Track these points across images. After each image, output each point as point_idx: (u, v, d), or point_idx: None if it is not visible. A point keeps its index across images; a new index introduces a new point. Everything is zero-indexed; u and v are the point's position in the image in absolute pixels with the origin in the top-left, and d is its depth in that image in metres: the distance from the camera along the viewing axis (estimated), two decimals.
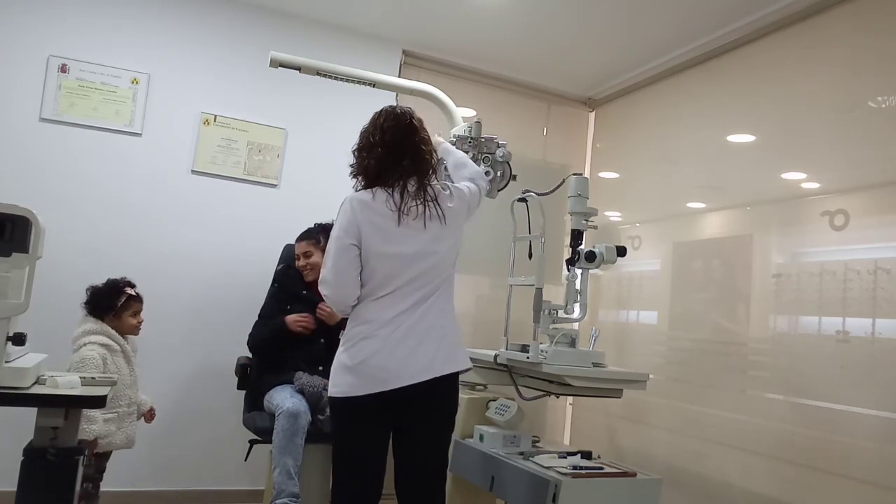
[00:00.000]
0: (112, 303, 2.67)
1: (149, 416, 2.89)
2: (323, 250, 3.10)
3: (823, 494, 2.68)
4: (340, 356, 2.04)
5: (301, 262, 3.15)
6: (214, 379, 3.47)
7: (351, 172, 2.16)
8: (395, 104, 2.19)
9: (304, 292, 3.14)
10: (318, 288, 2.09)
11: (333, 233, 2.06)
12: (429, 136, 2.17)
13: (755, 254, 3.23)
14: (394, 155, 2.07)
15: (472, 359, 2.89)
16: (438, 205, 2.09)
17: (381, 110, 2.16)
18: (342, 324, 3.06)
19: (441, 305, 2.09)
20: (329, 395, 2.05)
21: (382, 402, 1.98)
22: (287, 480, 2.67)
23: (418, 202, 2.06)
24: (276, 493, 2.67)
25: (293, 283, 3.17)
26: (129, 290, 2.73)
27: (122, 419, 2.62)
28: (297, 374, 2.98)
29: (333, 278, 2.03)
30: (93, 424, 2.45)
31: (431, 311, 2.06)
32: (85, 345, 2.54)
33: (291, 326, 3.01)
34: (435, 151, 2.21)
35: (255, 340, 3.11)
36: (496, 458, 2.55)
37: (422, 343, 2.02)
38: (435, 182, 2.14)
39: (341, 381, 2.01)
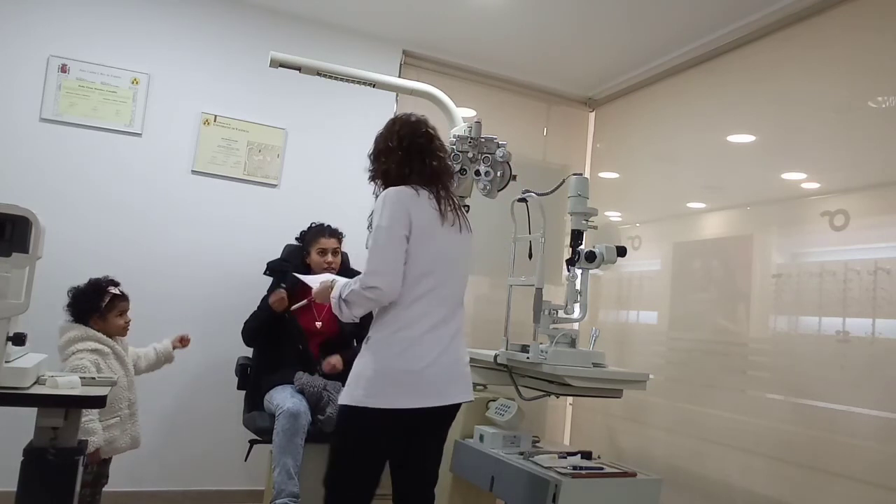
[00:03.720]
0: (96, 304, 2.54)
1: (182, 343, 2.88)
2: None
3: (823, 494, 2.68)
4: (385, 362, 1.95)
5: (329, 258, 3.13)
6: (214, 379, 3.46)
7: (369, 177, 2.16)
8: (409, 112, 2.20)
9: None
10: (365, 281, 1.95)
11: (382, 222, 1.97)
12: (444, 145, 2.19)
13: (755, 254, 3.23)
14: (416, 158, 2.08)
15: (472, 359, 2.91)
16: (465, 214, 2.13)
17: (397, 118, 2.18)
18: (340, 326, 3.09)
19: (460, 327, 2.11)
20: (364, 405, 1.93)
21: (421, 415, 1.96)
22: (287, 480, 2.67)
23: (451, 207, 2.08)
24: (276, 493, 2.67)
25: (287, 269, 3.15)
26: (113, 290, 2.60)
27: (124, 422, 2.58)
28: (297, 374, 2.98)
29: (389, 268, 1.94)
30: (92, 437, 2.39)
31: (459, 334, 2.09)
32: (74, 353, 2.44)
33: (273, 307, 3.02)
34: (451, 161, 2.23)
35: (245, 329, 3.13)
36: (496, 458, 2.55)
37: (458, 363, 2.06)
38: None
39: (389, 390, 1.92)
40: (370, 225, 2.11)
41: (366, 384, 1.94)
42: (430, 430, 2.10)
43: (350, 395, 1.97)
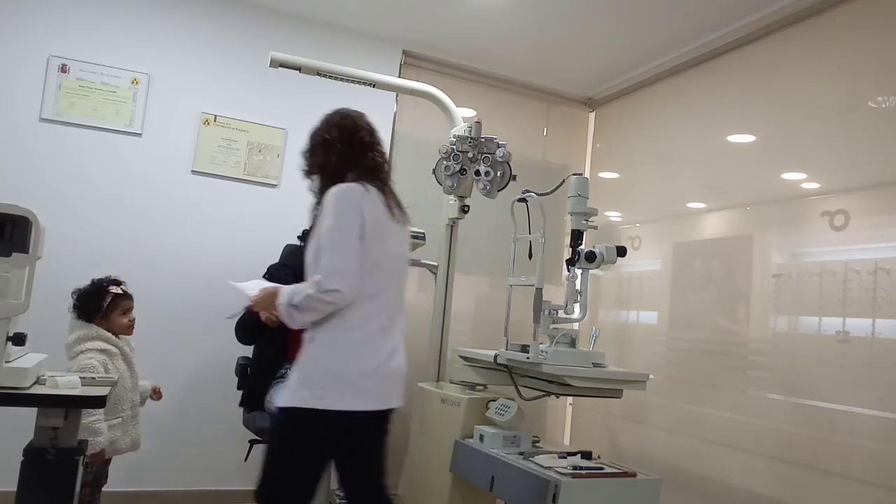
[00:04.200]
0: (98, 304, 2.55)
1: (156, 395, 2.83)
2: None
3: (823, 494, 2.68)
4: (337, 362, 1.89)
5: None
6: (214, 379, 3.46)
7: (305, 172, 2.10)
8: (345, 107, 2.16)
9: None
10: (324, 284, 1.87)
11: (337, 223, 1.90)
12: (382, 140, 2.16)
13: (755, 254, 3.23)
14: (358, 152, 2.04)
15: (472, 359, 2.91)
16: (404, 208, 2.09)
17: (334, 111, 2.13)
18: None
19: (404, 327, 2.07)
20: (316, 406, 1.85)
21: (370, 417, 1.94)
22: None
23: (394, 202, 2.05)
24: None
25: (285, 278, 3.13)
26: (114, 289, 2.60)
27: (126, 423, 2.57)
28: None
29: (348, 269, 1.87)
30: (99, 436, 2.38)
31: (403, 335, 2.06)
32: (83, 352, 2.44)
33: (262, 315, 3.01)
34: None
35: (236, 326, 3.10)
36: (496, 458, 2.54)
37: (403, 366, 2.03)
38: None
39: (341, 391, 1.87)
40: (313, 220, 2.01)
41: (316, 385, 1.87)
42: (377, 432, 2.06)
43: (297, 396, 1.88)
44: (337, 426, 1.90)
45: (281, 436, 1.95)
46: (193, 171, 3.58)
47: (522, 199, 2.73)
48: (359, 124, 2.09)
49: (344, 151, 2.03)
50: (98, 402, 1.93)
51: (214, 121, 3.62)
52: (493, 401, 2.83)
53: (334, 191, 1.93)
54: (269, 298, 2.01)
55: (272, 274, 3.19)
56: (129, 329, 2.66)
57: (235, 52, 3.68)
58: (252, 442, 3.05)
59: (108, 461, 2.64)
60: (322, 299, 1.85)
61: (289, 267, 3.21)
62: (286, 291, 1.94)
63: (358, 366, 1.90)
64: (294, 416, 1.88)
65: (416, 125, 3.99)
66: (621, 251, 2.66)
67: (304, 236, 3.26)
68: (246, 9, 3.71)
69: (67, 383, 1.92)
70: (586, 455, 2.58)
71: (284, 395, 1.91)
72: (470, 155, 3.04)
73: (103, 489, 2.67)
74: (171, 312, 3.43)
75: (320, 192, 2.02)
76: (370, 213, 1.94)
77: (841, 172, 2.85)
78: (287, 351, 3.06)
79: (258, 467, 3.30)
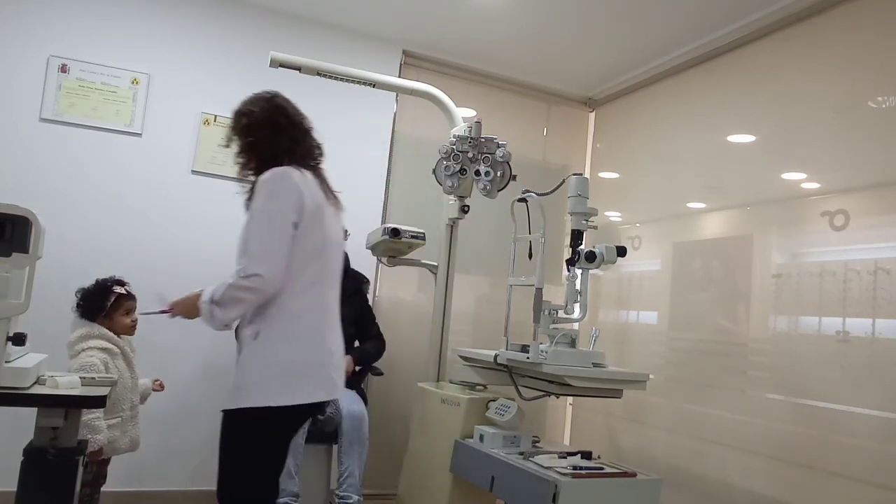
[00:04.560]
0: (101, 304, 2.56)
1: (158, 386, 2.85)
2: None
3: (823, 494, 2.68)
4: (284, 354, 1.83)
5: None
6: (214, 379, 3.46)
7: (239, 151, 1.99)
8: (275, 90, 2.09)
9: None
10: (245, 268, 1.78)
11: (269, 206, 1.82)
12: None
13: (755, 254, 3.23)
14: (300, 136, 2.01)
15: (472, 359, 2.91)
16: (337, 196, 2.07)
17: (270, 93, 2.04)
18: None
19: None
20: (272, 403, 1.79)
21: (314, 409, 1.92)
22: (287, 480, 2.68)
23: (328, 187, 2.03)
24: None
25: None
26: (118, 289, 2.62)
27: (126, 423, 2.57)
28: None
29: (272, 255, 1.78)
30: (98, 434, 2.38)
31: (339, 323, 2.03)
32: (84, 350, 2.45)
33: None
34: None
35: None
36: (496, 459, 2.54)
37: (343, 354, 2.01)
38: None
39: (294, 385, 1.82)
40: (248, 200, 1.91)
41: (269, 381, 1.81)
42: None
43: (251, 396, 1.80)
44: (295, 421, 1.90)
45: (235, 437, 1.85)
46: (193, 171, 3.58)
47: (522, 199, 2.73)
48: (298, 109, 2.05)
49: (287, 133, 1.98)
50: (98, 401, 1.93)
51: (214, 121, 3.62)
52: (493, 401, 2.83)
53: (269, 175, 1.86)
54: (192, 300, 1.91)
55: None
56: (131, 329, 2.67)
57: (235, 52, 3.68)
58: None
59: (107, 461, 2.63)
60: (242, 286, 1.76)
61: None
62: (208, 289, 1.85)
63: (311, 355, 1.87)
64: (248, 417, 1.81)
65: (416, 125, 3.99)
66: (621, 251, 2.66)
67: None
68: (246, 9, 3.71)
69: (67, 383, 1.92)
70: (586, 455, 2.58)
71: (232, 397, 1.83)
72: (470, 155, 3.04)
73: (103, 489, 2.67)
74: None
75: (255, 174, 1.93)
76: (310, 198, 1.89)
77: (841, 172, 2.85)
78: None
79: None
